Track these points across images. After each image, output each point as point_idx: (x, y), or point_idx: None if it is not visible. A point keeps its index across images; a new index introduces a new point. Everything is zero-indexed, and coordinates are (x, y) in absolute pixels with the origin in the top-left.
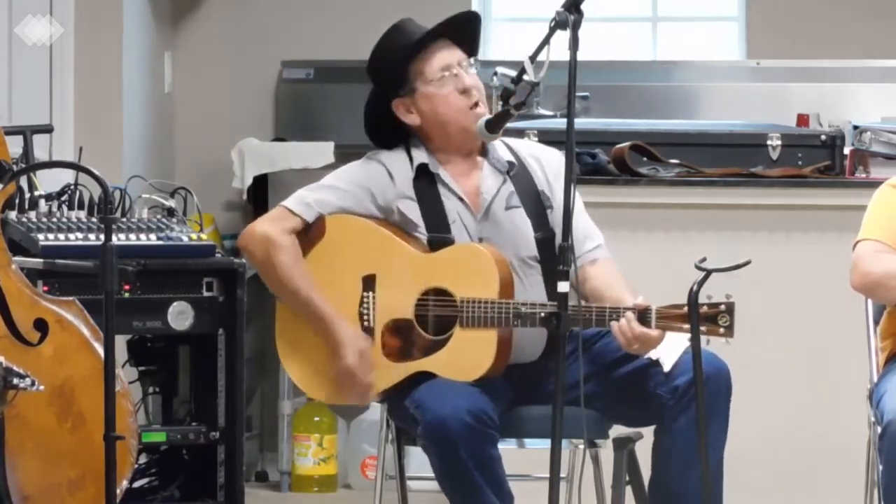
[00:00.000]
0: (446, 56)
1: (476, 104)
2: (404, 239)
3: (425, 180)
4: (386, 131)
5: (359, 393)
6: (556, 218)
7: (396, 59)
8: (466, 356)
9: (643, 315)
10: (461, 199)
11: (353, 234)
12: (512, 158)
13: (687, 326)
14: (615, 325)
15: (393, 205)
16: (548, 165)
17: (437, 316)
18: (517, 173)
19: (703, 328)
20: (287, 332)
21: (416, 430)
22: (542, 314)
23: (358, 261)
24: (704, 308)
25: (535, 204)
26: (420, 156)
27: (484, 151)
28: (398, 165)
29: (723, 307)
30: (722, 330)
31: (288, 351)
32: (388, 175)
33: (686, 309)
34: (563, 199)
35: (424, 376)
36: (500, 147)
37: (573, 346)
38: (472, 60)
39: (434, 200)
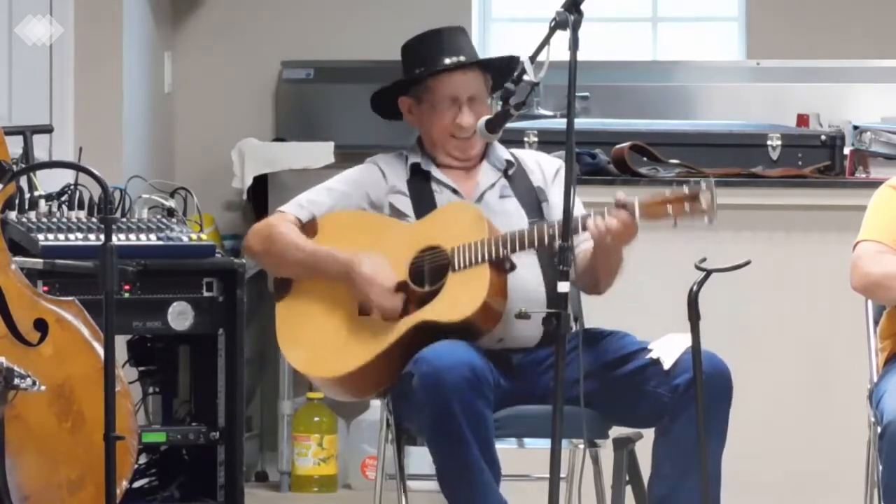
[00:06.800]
0: (460, 88)
1: (467, 139)
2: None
3: (418, 178)
4: (383, 99)
5: (386, 306)
6: (550, 213)
7: (419, 66)
8: (461, 293)
9: (623, 209)
10: (455, 192)
11: (344, 223)
12: (511, 158)
13: (669, 210)
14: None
15: (385, 200)
16: (547, 168)
17: (432, 270)
18: (515, 173)
19: (686, 206)
20: (287, 332)
21: (413, 396)
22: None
23: (351, 245)
24: (686, 190)
25: (529, 197)
26: (414, 156)
27: (483, 154)
28: (393, 165)
29: (703, 186)
30: (704, 206)
31: (290, 346)
32: (381, 174)
33: (668, 194)
34: (560, 199)
35: (425, 341)
36: (501, 149)
37: (573, 345)
38: (492, 95)
39: (426, 195)
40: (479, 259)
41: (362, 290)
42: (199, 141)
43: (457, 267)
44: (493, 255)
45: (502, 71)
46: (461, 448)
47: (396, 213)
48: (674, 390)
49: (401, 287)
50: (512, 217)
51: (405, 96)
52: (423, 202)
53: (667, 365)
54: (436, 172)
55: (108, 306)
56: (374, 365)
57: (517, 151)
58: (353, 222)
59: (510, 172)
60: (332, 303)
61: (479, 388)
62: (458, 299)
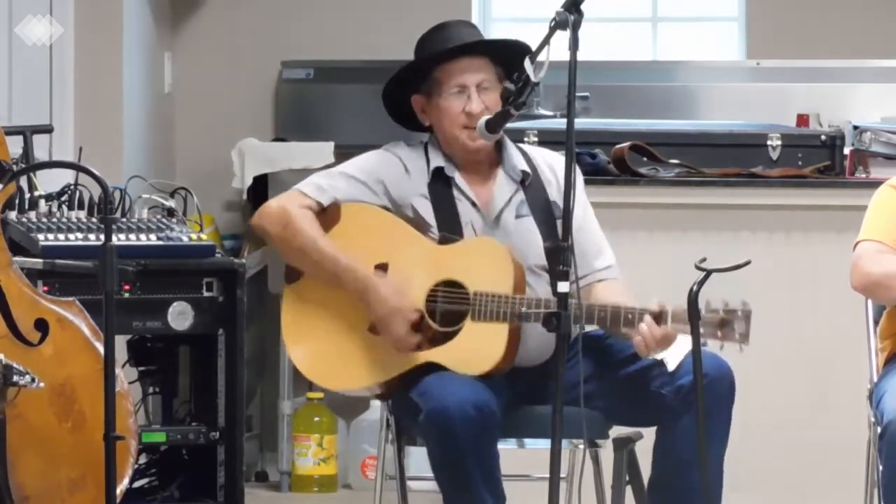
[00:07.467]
0: (467, 75)
1: (475, 129)
2: (419, 230)
3: (440, 182)
4: (398, 104)
5: (402, 342)
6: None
7: (426, 58)
8: (476, 349)
9: (658, 319)
10: (474, 205)
11: (368, 222)
12: (527, 168)
13: (701, 331)
14: (639, 329)
15: (407, 200)
16: (562, 177)
17: (450, 308)
18: (531, 183)
19: (718, 333)
20: (293, 323)
21: (417, 421)
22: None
23: (371, 249)
24: (721, 314)
25: (546, 214)
26: (436, 159)
27: (499, 160)
28: (415, 163)
29: (739, 313)
30: (737, 336)
31: (295, 340)
32: (403, 168)
33: (704, 314)
34: (574, 208)
35: (430, 369)
36: (517, 155)
37: (576, 350)
38: (504, 83)
39: (448, 203)
40: (500, 317)
41: (381, 317)
42: (199, 141)
43: (476, 316)
44: (514, 317)
45: (511, 60)
46: (468, 487)
47: (419, 218)
48: (678, 391)
49: (417, 317)
50: (529, 238)
51: (417, 95)
52: (445, 210)
53: (671, 366)
54: (458, 181)
55: (108, 306)
56: (376, 387)
57: (531, 152)
58: (375, 222)
59: (527, 184)
60: (344, 304)
61: (485, 425)
62: (475, 353)
